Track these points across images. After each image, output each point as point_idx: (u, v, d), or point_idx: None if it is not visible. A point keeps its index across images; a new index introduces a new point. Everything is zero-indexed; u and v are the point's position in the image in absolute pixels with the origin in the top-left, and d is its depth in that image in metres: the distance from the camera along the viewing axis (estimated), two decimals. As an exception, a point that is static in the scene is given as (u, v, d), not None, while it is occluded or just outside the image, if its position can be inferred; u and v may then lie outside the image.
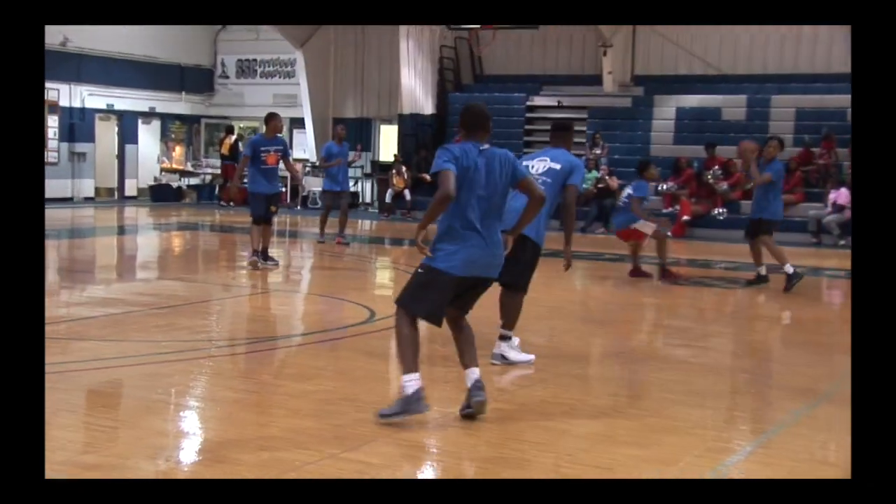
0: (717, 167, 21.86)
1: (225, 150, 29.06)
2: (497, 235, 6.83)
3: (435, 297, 6.67)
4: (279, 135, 15.17)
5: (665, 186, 22.19)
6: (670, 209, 22.50)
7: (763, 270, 13.80)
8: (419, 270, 6.74)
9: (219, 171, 29.73)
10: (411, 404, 6.56)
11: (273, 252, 15.16)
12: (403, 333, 6.69)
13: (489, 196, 6.70)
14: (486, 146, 6.79)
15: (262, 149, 14.34)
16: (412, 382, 6.56)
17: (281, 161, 14.66)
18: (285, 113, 30.31)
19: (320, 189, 23.42)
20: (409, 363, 6.63)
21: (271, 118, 14.98)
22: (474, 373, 6.72)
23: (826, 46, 24.49)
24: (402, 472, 5.85)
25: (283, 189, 15.40)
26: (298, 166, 28.40)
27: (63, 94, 27.46)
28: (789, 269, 13.34)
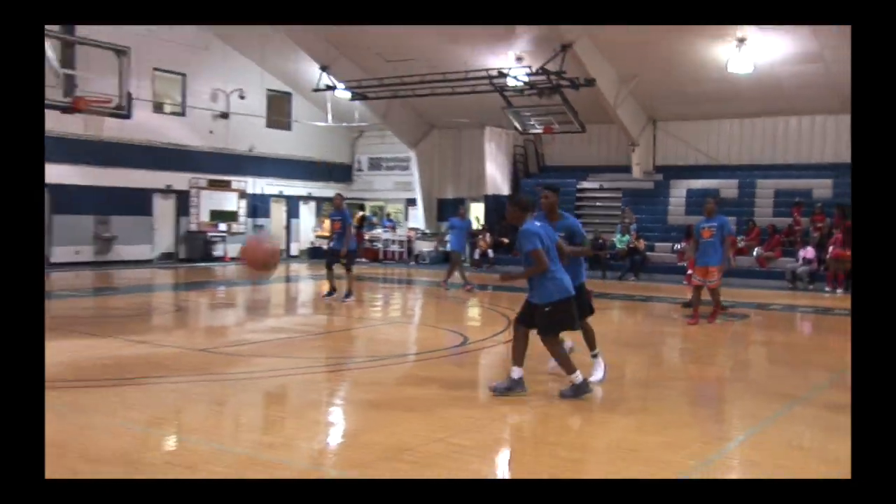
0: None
1: (356, 221, 29.56)
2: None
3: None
4: (342, 209, 15.82)
5: (679, 246, 22.16)
6: (683, 263, 22.27)
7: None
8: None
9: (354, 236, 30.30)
10: (516, 385, 7.19)
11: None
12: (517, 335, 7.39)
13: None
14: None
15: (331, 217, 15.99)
16: (517, 371, 7.20)
17: (342, 227, 15.28)
18: (402, 194, 30.90)
19: (431, 249, 23.86)
20: (518, 358, 7.29)
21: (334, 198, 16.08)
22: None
23: (797, 142, 24.19)
24: (489, 452, 5.93)
25: (338, 248, 15.53)
26: (410, 233, 28.78)
27: (249, 184, 28.29)
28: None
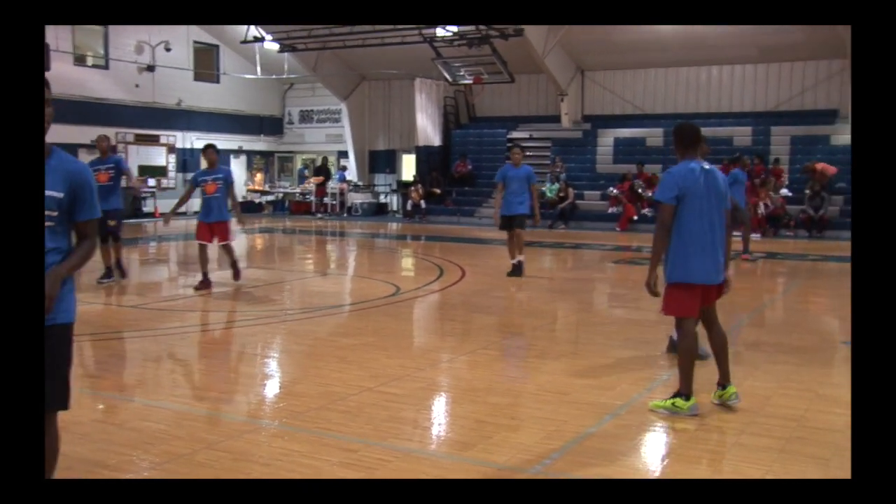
0: (640, 179, 22.26)
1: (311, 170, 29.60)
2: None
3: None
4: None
5: (613, 191, 22.59)
6: (615, 209, 22.64)
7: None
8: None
9: (284, 192, 30.05)
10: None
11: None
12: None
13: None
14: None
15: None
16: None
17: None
18: (334, 147, 30.54)
19: (363, 201, 23.26)
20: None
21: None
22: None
23: (718, 90, 24.59)
24: (420, 400, 5.98)
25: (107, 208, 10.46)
26: (343, 185, 28.49)
27: (178, 139, 27.61)
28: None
